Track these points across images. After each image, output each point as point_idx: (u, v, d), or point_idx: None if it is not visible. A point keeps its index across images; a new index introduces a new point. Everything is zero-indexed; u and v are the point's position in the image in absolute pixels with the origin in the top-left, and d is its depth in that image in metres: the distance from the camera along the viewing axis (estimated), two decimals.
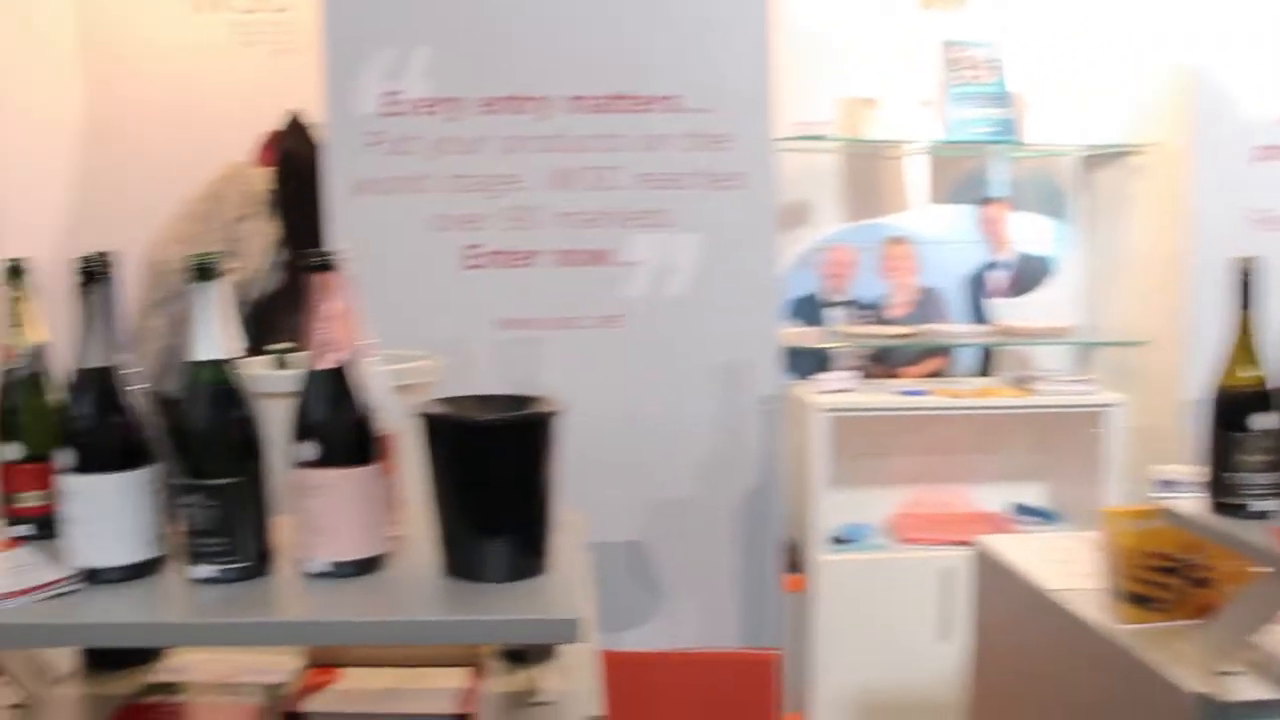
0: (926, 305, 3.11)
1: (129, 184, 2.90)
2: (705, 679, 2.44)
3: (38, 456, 1.25)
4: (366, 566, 1.13)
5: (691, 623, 2.64)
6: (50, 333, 1.29)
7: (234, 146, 2.78)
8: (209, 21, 2.98)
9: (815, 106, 2.79)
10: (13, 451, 1.25)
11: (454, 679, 1.33)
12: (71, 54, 2.98)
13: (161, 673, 1.38)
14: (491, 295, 2.45)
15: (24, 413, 1.26)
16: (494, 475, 1.10)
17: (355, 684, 1.34)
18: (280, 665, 1.37)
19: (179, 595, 1.10)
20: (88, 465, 1.09)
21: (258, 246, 2.64)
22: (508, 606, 1.05)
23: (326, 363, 1.11)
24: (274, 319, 2.57)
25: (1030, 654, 1.84)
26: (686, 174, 2.51)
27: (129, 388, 1.13)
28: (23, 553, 1.20)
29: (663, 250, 2.53)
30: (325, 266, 1.11)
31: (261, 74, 2.94)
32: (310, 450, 1.09)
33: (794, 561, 2.81)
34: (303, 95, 2.60)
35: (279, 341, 2.52)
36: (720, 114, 2.50)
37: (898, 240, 3.09)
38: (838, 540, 2.89)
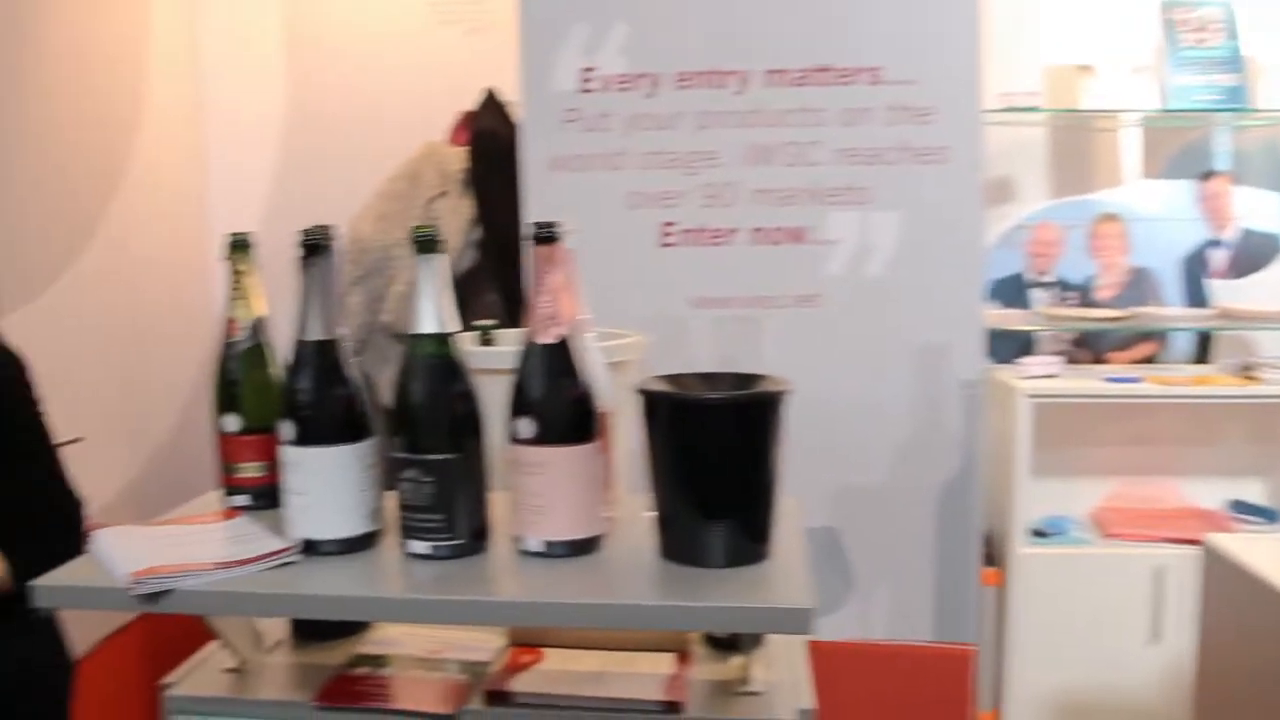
0: (1138, 287, 2.93)
1: (330, 166, 2.98)
2: (897, 672, 2.35)
3: (256, 428, 1.27)
4: (583, 547, 1.10)
5: (883, 613, 2.56)
6: (269, 308, 1.31)
7: (431, 126, 2.81)
8: (406, 2, 3.02)
9: (1022, 76, 2.64)
10: (232, 423, 1.27)
11: (660, 664, 1.29)
12: (277, 42, 3.07)
13: (368, 645, 1.39)
14: (687, 273, 2.41)
15: (244, 385, 1.28)
16: (719, 456, 1.05)
17: (559, 665, 1.32)
18: (483, 643, 1.36)
19: (395, 570, 1.09)
20: (308, 438, 1.10)
21: (453, 225, 2.66)
22: (734, 593, 1.00)
23: (548, 337, 1.08)
24: (469, 297, 2.59)
25: (1269, 662, 1.70)
26: (887, 149, 2.41)
27: (348, 361, 1.13)
28: (242, 523, 1.21)
29: (862, 228, 2.44)
30: (549, 238, 1.08)
31: (458, 53, 2.97)
32: (529, 427, 1.07)
33: (991, 554, 2.69)
34: (498, 74, 2.61)
35: (474, 319, 2.55)
36: (923, 85, 2.38)
37: (1108, 217, 2.91)
38: (1038, 533, 2.75)
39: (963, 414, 2.49)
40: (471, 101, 2.78)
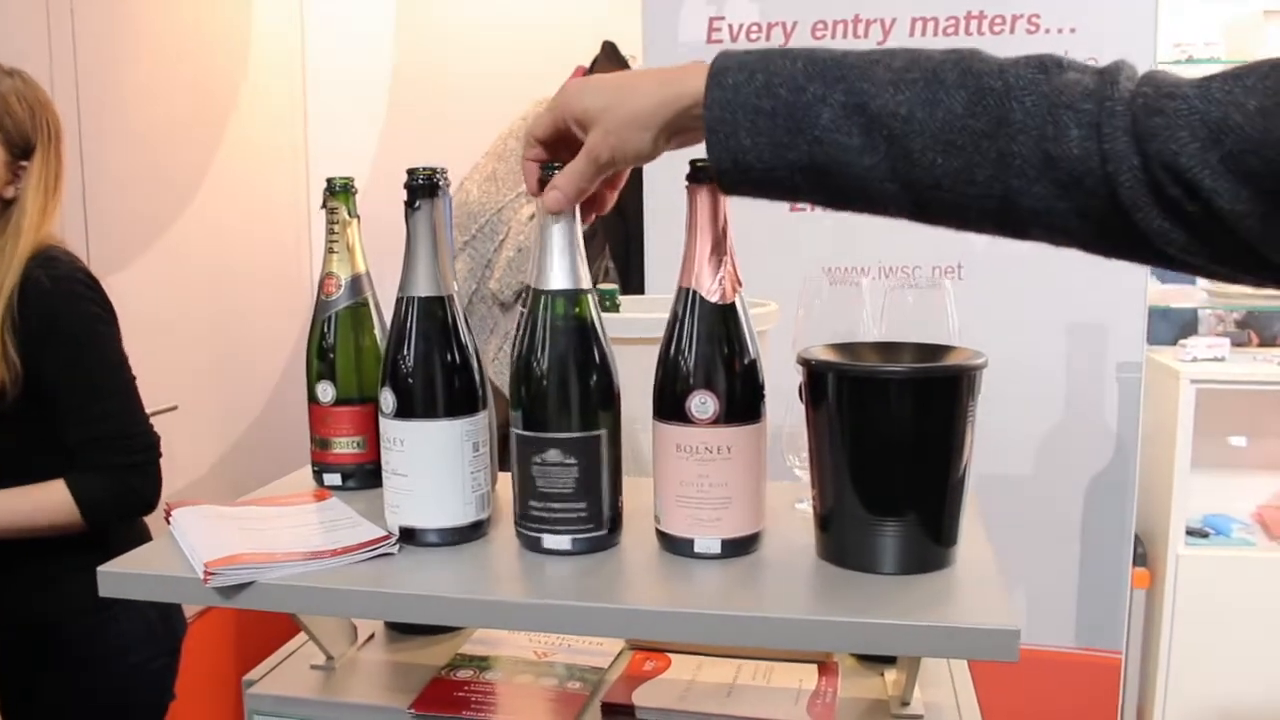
0: None
1: (436, 125, 2.84)
2: (1036, 680, 2.16)
3: (353, 399, 1.12)
4: (745, 546, 0.93)
5: (1021, 615, 2.34)
6: (370, 265, 1.16)
7: (545, 81, 2.64)
8: None
9: (1198, 24, 2.38)
10: (326, 392, 1.12)
11: (801, 678, 1.12)
12: None
13: (471, 643, 1.24)
14: (819, 240, 2.22)
15: (340, 349, 1.13)
16: (902, 440, 0.87)
17: (686, 675, 1.15)
18: (598, 644, 1.20)
19: (518, 567, 0.93)
20: (411, 409, 0.94)
21: None
22: (920, 609, 0.82)
23: (723, 295, 0.90)
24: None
25: None
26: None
27: (460, 322, 0.96)
28: (333, 505, 1.06)
29: None
30: (708, 175, 0.90)
31: (573, 3, 2.81)
32: (707, 403, 0.89)
33: (1142, 554, 2.45)
34: (617, 25, 2.44)
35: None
36: (1087, 34, 2.15)
37: None
38: (1196, 533, 2.51)
39: (1118, 400, 2.26)
40: (588, 55, 2.61)
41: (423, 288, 0.94)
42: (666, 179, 2.22)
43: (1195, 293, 2.56)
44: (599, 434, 0.92)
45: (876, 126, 0.75)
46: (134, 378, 1.58)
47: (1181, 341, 2.48)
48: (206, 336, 2.44)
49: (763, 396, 0.93)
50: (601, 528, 0.93)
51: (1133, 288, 2.23)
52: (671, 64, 0.86)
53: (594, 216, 0.95)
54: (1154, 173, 0.69)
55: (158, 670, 1.64)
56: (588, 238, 2.44)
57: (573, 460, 0.91)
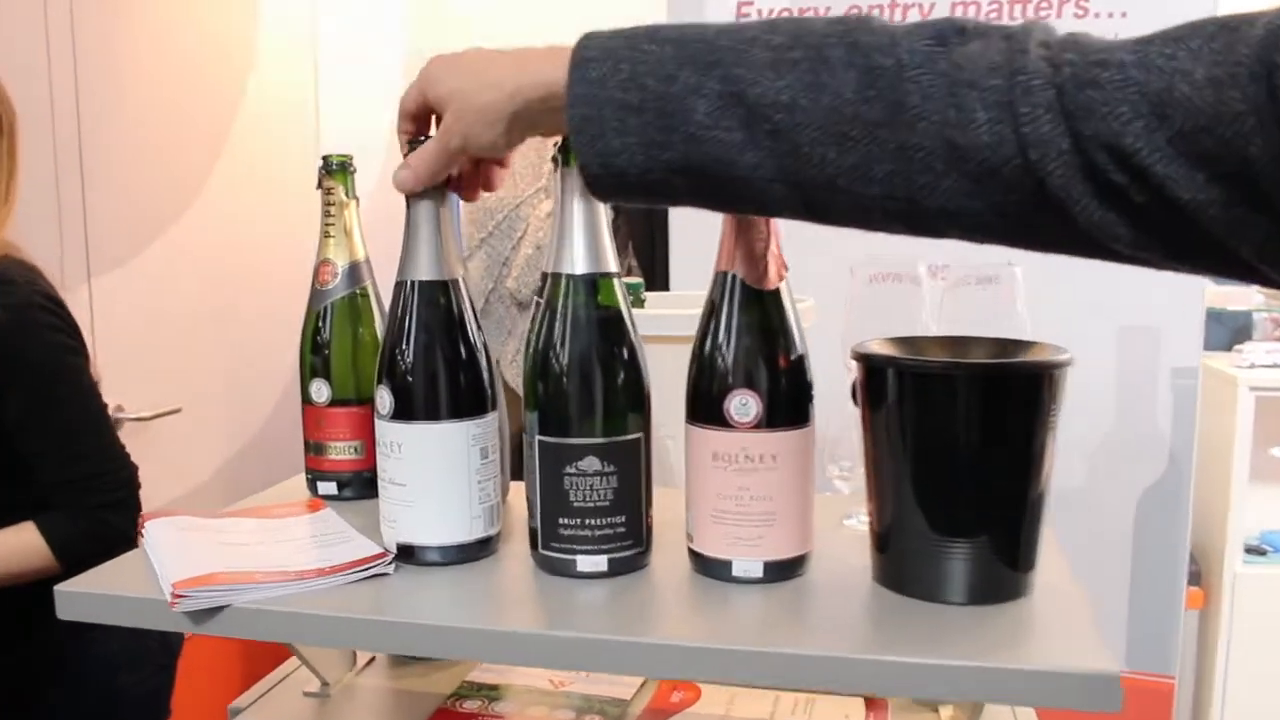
0: None
1: None
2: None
3: (350, 399, 1.01)
4: (791, 569, 0.81)
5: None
6: (370, 251, 1.04)
7: None
8: None
9: (1259, 5, 2.25)
10: (320, 391, 1.01)
11: (846, 713, 1.00)
12: None
13: (478, 669, 1.13)
14: (860, 236, 2.09)
15: (335, 344, 1.02)
16: (974, 448, 0.75)
17: (719, 709, 1.04)
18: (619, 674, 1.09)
19: (540, 592, 0.81)
20: (411, 410, 0.83)
21: None
22: (1001, 648, 0.70)
23: (769, 280, 0.79)
24: None
25: None
26: None
27: (468, 311, 0.85)
28: (327, 518, 0.95)
29: None
30: None
31: None
32: (749, 405, 0.78)
33: (1196, 572, 2.32)
34: (641, 10, 2.32)
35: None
36: (1137, 19, 2.03)
37: None
38: (1254, 550, 2.37)
39: (1173, 408, 2.13)
40: None
41: (425, 271, 0.83)
42: None
43: (1251, 295, 2.43)
44: (638, 437, 0.80)
45: (757, 119, 0.63)
46: (105, 405, 1.42)
47: (1238, 346, 2.34)
48: (212, 335, 2.33)
49: (811, 397, 0.81)
50: (639, 544, 0.82)
51: (1189, 288, 2.10)
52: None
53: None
54: (1091, 156, 0.57)
55: (152, 690, 1.54)
56: (612, 233, 2.33)
57: (612, 468, 0.79)
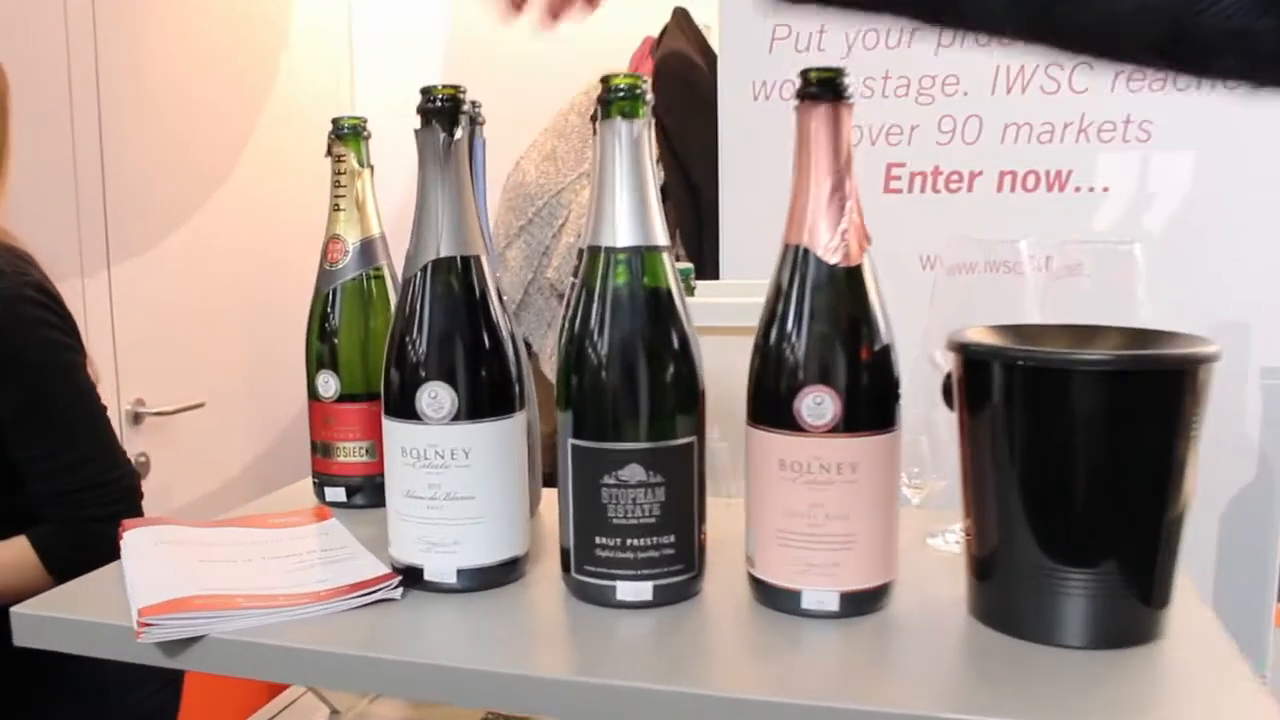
0: None
1: (490, 97, 2.60)
2: None
3: (361, 394, 0.89)
4: (871, 602, 0.68)
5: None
6: (388, 226, 0.92)
7: (610, 51, 2.41)
8: None
9: None
10: (328, 385, 0.89)
11: None
12: None
13: None
14: (917, 225, 1.95)
15: (346, 331, 0.90)
16: (1101, 459, 0.62)
17: None
18: None
19: (575, 626, 0.69)
20: (481, 407, 0.71)
21: None
22: (1134, 705, 0.56)
23: (840, 255, 0.66)
24: None
25: None
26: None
27: (492, 294, 0.72)
28: (332, 530, 0.83)
29: (1141, 172, 1.95)
30: (835, 89, 0.66)
31: None
32: (825, 404, 0.65)
33: None
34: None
35: None
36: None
37: None
38: None
39: (1262, 411, 1.97)
40: (658, 24, 2.37)
41: (442, 247, 0.70)
42: (745, 146, 1.98)
43: None
44: (690, 441, 0.68)
45: None
46: (105, 407, 1.28)
47: None
48: (237, 327, 2.23)
49: (898, 395, 0.68)
50: (690, 568, 0.69)
51: (1278, 282, 1.94)
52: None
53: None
54: None
55: (156, 707, 1.42)
56: None
57: (660, 478, 0.66)
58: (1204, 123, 1.93)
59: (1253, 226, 1.95)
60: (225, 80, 2.20)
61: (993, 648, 0.64)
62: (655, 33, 2.41)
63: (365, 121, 0.90)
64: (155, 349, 2.00)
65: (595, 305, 0.67)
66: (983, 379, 0.65)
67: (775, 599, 0.68)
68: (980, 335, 0.68)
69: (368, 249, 0.90)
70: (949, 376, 0.72)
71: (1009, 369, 0.64)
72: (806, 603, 0.67)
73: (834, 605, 0.67)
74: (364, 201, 0.89)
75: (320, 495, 0.92)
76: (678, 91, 2.20)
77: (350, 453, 0.89)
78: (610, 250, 0.67)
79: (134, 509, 1.24)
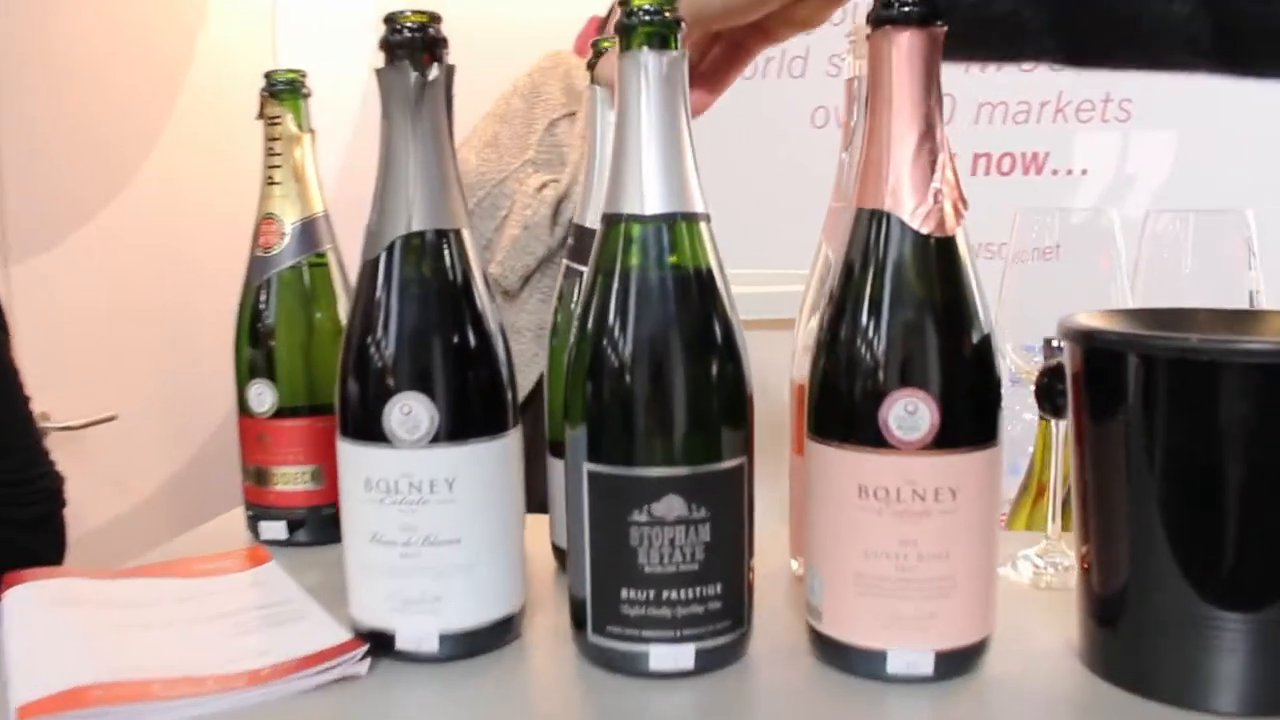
0: None
1: None
2: None
3: (303, 407, 0.73)
4: (970, 660, 0.54)
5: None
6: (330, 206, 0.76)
7: (554, 32, 2.26)
8: None
9: None
10: (262, 397, 0.73)
11: None
12: None
13: None
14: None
15: (284, 331, 0.74)
16: (1271, 475, 0.48)
17: None
18: None
19: (599, 710, 0.53)
20: (467, 424, 0.55)
21: (579, 154, 2.11)
22: None
23: (933, 223, 0.51)
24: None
25: None
26: None
27: (477, 277, 0.57)
28: (270, 578, 0.67)
29: (1121, 153, 1.85)
30: (925, 11, 0.51)
31: None
32: (917, 412, 0.50)
33: None
34: None
35: None
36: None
37: None
38: None
39: None
40: (605, 2, 2.22)
41: (412, 220, 0.54)
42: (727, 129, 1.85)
43: None
44: (739, 464, 0.53)
45: None
46: (29, 399, 1.08)
47: None
48: (154, 330, 2.03)
49: (1000, 399, 0.54)
50: (740, 624, 0.54)
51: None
52: None
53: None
54: None
55: None
56: None
57: (704, 512, 0.51)
58: (1185, 101, 1.83)
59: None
60: (136, 64, 2.00)
61: (1127, 714, 0.51)
62: (602, 12, 2.26)
63: (304, 76, 0.74)
64: (61, 356, 1.80)
65: (616, 291, 0.52)
66: (1114, 375, 0.51)
67: (851, 661, 0.54)
68: (1104, 321, 0.54)
69: (309, 230, 0.74)
70: (1048, 374, 0.59)
71: (1151, 362, 0.50)
72: (893, 666, 0.52)
73: (927, 668, 0.52)
74: (304, 172, 0.73)
75: (255, 531, 0.75)
76: None
77: (291, 479, 0.73)
78: (636, 220, 0.52)
79: (55, 515, 1.05)
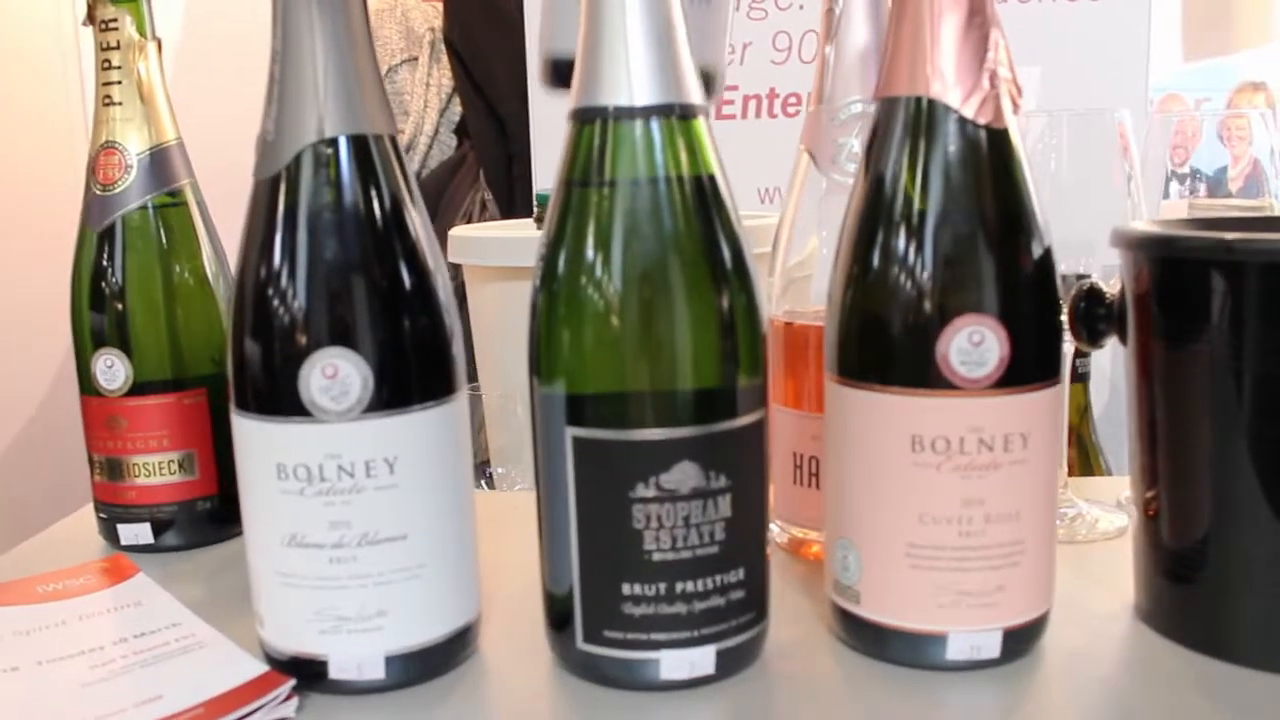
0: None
1: (245, 33, 2.22)
2: None
3: (169, 381, 0.60)
4: (1033, 637, 0.45)
5: None
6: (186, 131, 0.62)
7: None
8: None
9: None
10: (113, 371, 0.59)
11: None
12: None
13: None
14: (753, 154, 1.74)
15: (136, 288, 0.60)
16: None
17: None
18: None
19: None
20: (408, 387, 0.43)
21: (425, 102, 1.96)
22: None
23: (989, 113, 0.41)
24: (451, 196, 1.92)
25: None
26: None
27: (411, 206, 0.45)
28: (141, 592, 0.53)
29: None
30: None
31: None
32: (984, 342, 0.41)
33: None
34: None
35: (458, 223, 1.87)
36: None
37: (1253, 87, 2.31)
38: None
39: None
40: None
41: (325, 124, 0.42)
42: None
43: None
44: (760, 418, 0.42)
45: None
46: None
47: None
48: None
49: (1061, 327, 0.45)
50: (762, 616, 0.44)
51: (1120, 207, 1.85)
52: None
53: None
54: None
55: None
56: (454, 164, 1.92)
57: (724, 481, 0.41)
58: (1048, 36, 1.80)
59: (1105, 147, 1.84)
60: None
61: (1212, 681, 0.43)
62: None
63: None
64: None
65: (598, 207, 0.41)
66: (1192, 289, 0.43)
67: (900, 649, 0.44)
68: (1170, 229, 0.46)
69: (160, 162, 0.59)
70: (1085, 298, 0.50)
71: (1239, 271, 0.42)
72: (954, 650, 0.43)
73: (994, 650, 0.43)
74: (151, 90, 0.59)
75: (111, 537, 0.61)
76: (474, 13, 1.90)
77: (155, 470, 0.59)
78: (623, 113, 0.40)
79: None
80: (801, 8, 1.77)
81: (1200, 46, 2.35)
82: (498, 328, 1.06)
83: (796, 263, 0.57)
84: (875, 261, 0.42)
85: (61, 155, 1.84)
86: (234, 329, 0.43)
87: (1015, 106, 0.43)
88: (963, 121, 0.41)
